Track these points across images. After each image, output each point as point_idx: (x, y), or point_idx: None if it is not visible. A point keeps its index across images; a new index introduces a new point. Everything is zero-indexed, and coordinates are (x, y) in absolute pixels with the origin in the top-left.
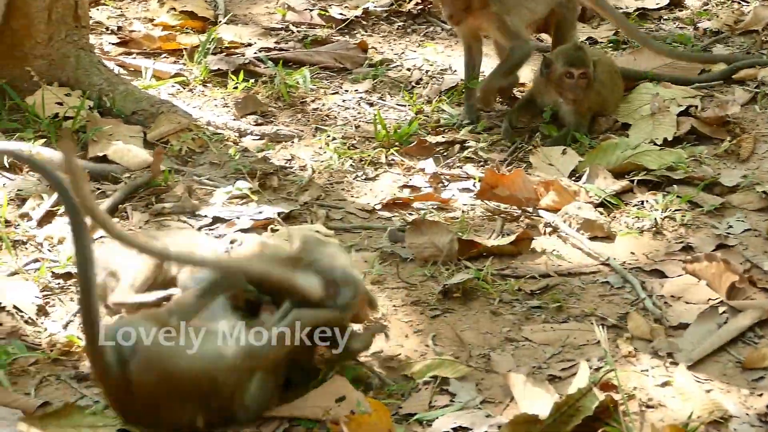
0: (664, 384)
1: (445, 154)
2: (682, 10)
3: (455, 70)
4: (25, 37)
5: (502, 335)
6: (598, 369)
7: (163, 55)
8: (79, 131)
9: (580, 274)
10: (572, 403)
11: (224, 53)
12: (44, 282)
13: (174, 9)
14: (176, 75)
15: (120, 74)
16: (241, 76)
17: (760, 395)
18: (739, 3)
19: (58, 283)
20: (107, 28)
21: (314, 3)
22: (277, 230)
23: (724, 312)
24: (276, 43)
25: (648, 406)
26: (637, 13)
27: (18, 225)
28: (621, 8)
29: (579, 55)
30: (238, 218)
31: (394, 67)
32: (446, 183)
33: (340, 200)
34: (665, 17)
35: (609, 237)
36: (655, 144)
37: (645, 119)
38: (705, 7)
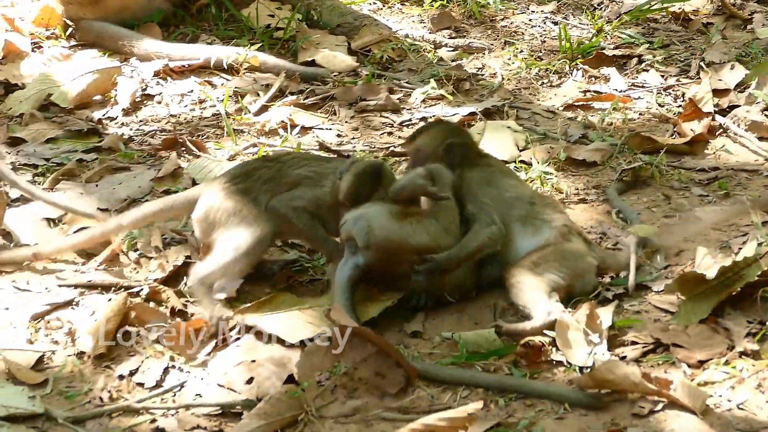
0: None
1: (624, 66)
2: None
3: None
4: None
5: (675, 215)
6: (761, 243)
7: None
8: (289, 40)
9: (746, 170)
10: (737, 269)
11: None
12: None
13: None
14: None
15: None
16: None
17: None
18: None
19: None
20: None
21: None
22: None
23: None
24: None
25: None
26: None
27: (236, 119)
28: None
29: None
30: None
31: None
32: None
33: (528, 103)
34: None
35: None
36: None
37: None
38: None
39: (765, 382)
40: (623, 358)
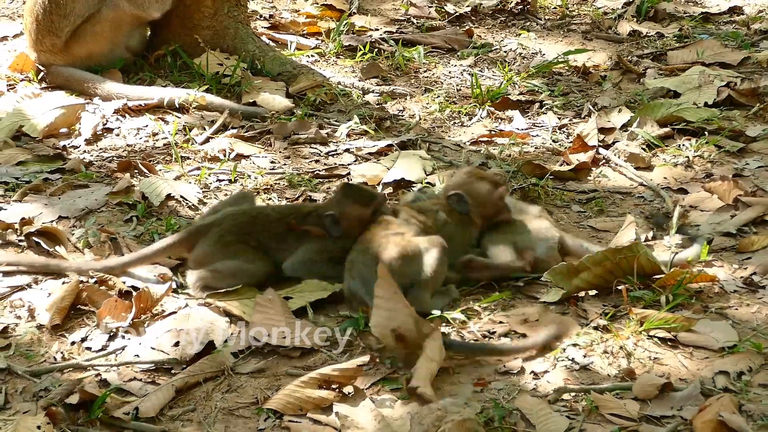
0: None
1: (526, 109)
2: (740, 15)
3: (544, 54)
4: (194, 11)
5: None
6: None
7: (305, 34)
8: (235, 86)
9: (620, 192)
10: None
11: (355, 34)
12: (204, 183)
13: (316, 2)
14: (315, 48)
15: (270, 45)
16: (368, 47)
17: (745, 268)
18: None
19: (216, 185)
20: (261, 16)
21: (433, 0)
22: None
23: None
24: (398, 29)
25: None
26: (701, 16)
27: (184, 147)
28: (687, 12)
29: None
30: (361, 148)
31: (494, 49)
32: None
33: (439, 138)
34: (725, 20)
35: (649, 167)
36: (696, 105)
37: (693, 89)
38: (760, 13)
39: (609, 349)
40: (493, 333)
